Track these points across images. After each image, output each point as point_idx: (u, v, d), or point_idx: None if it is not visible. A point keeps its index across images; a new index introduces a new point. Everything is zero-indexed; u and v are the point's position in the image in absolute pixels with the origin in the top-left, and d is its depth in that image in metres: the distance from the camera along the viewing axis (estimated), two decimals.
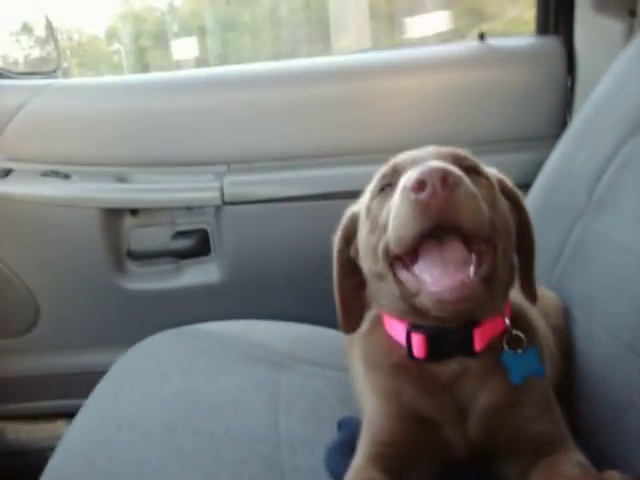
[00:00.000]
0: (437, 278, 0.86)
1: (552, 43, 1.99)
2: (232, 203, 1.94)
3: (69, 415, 1.45)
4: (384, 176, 0.99)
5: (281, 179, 1.97)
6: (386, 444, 1.01)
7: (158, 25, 3.23)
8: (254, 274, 1.98)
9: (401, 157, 1.00)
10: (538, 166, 1.74)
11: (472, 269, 0.86)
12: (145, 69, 3.30)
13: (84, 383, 1.64)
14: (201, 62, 3.13)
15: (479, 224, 0.86)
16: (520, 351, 1.01)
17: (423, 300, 0.88)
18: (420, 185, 0.82)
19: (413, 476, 1.00)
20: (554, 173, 1.66)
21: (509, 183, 1.07)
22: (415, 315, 0.96)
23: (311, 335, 1.74)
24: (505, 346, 1.01)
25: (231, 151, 2.00)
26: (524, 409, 1.00)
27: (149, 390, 1.44)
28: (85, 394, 1.52)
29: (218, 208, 1.96)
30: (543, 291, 1.42)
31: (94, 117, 2.03)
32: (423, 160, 0.92)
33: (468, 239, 0.88)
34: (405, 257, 0.91)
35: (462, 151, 0.99)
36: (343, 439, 1.18)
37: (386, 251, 0.92)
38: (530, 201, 1.69)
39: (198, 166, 2.00)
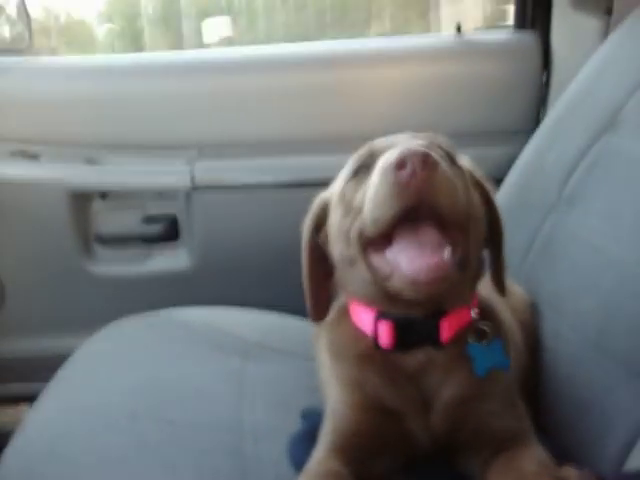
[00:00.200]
0: (412, 259, 0.85)
1: (529, 38, 2.00)
2: (202, 188, 1.92)
3: (32, 399, 1.43)
4: (359, 159, 0.99)
5: (253, 166, 1.95)
6: (349, 434, 1.00)
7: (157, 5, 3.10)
8: (224, 261, 1.96)
9: (378, 141, 0.99)
10: (511, 161, 1.75)
11: (447, 251, 0.86)
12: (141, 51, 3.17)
13: (48, 367, 1.61)
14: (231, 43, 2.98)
15: (456, 208, 0.86)
16: (485, 343, 1.01)
17: (396, 282, 0.88)
18: (400, 164, 0.82)
19: (375, 468, 0.99)
20: (526, 168, 1.66)
21: (479, 175, 1.07)
22: (385, 301, 0.96)
23: (280, 324, 1.73)
24: (470, 337, 1.01)
25: (203, 136, 1.98)
26: (488, 402, 1.01)
27: (112, 377, 1.42)
28: (49, 378, 1.50)
29: (188, 193, 1.93)
30: (511, 286, 1.43)
31: (65, 97, 1.99)
32: (399, 145, 0.92)
33: (442, 224, 0.87)
34: (378, 240, 0.90)
35: (439, 137, 0.99)
36: (306, 429, 1.17)
37: (360, 234, 0.91)
38: (501, 196, 1.70)
39: (169, 150, 1.97)
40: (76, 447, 1.20)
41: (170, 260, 2.00)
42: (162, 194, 1.99)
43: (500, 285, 1.07)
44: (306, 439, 1.11)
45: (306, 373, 1.40)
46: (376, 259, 0.91)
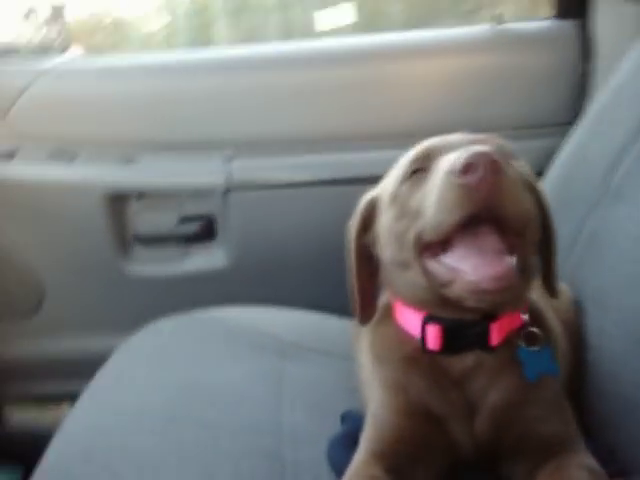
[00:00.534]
0: (476, 267, 0.82)
1: (568, 27, 1.94)
2: (239, 188, 1.90)
3: (73, 399, 1.43)
4: (416, 160, 0.95)
5: (289, 164, 1.93)
6: (391, 440, 0.97)
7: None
8: (261, 260, 1.95)
9: (433, 141, 0.96)
10: (550, 154, 1.70)
11: (511, 259, 0.83)
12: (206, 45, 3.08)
13: (88, 367, 1.62)
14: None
15: (519, 214, 0.83)
16: (536, 348, 0.98)
17: (457, 290, 0.85)
18: (469, 168, 0.79)
19: (417, 475, 0.96)
20: (568, 161, 1.62)
21: (532, 177, 1.03)
22: (437, 306, 0.94)
23: (318, 323, 1.71)
24: (521, 342, 0.98)
25: (239, 134, 1.96)
26: (535, 408, 0.97)
27: (150, 378, 1.42)
28: (88, 378, 1.50)
29: (225, 193, 1.92)
30: None
31: (100, 97, 2.00)
32: (458, 146, 0.89)
33: (502, 230, 0.84)
34: (435, 245, 0.87)
35: (497, 139, 0.96)
36: (346, 432, 1.15)
37: (417, 238, 0.88)
38: None
39: (205, 149, 1.96)
40: (113, 449, 1.19)
41: (207, 260, 1.99)
42: (198, 193, 1.97)
43: (552, 289, 1.04)
44: (346, 443, 1.09)
45: (345, 374, 1.38)
46: (432, 264, 0.88)
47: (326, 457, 1.18)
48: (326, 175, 1.86)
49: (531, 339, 0.99)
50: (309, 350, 1.54)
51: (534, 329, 0.99)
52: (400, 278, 0.98)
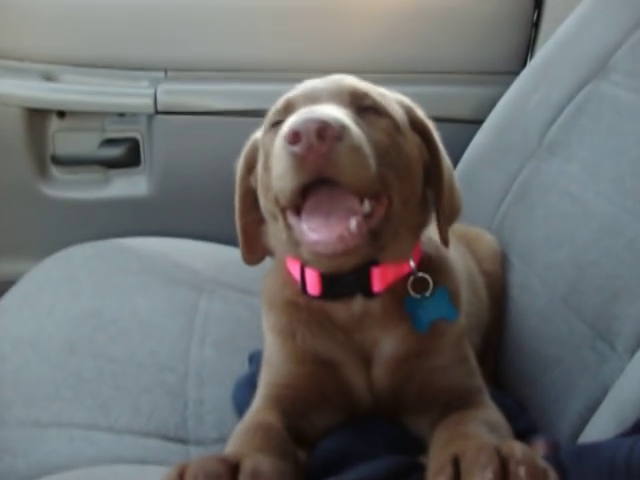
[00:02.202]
0: (315, 229, 0.78)
1: None
2: (165, 112, 1.80)
3: None
4: (276, 112, 0.91)
5: (220, 91, 1.84)
6: (283, 386, 0.95)
7: None
8: (184, 190, 1.86)
9: (296, 91, 0.90)
10: (493, 102, 1.66)
11: (354, 222, 0.78)
12: None
13: None
14: None
15: (362, 181, 0.78)
16: (427, 294, 0.94)
17: (303, 250, 0.82)
18: (295, 137, 0.74)
19: (315, 421, 0.94)
20: (508, 111, 1.58)
21: (419, 113, 0.98)
22: (304, 259, 0.90)
23: (238, 259, 1.65)
24: (410, 289, 0.94)
25: (170, 57, 1.85)
26: (434, 358, 0.95)
27: (55, 306, 1.34)
28: None
29: (150, 116, 1.82)
30: (481, 233, 1.37)
31: (22, 8, 1.85)
32: (317, 98, 0.85)
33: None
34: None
35: (364, 86, 0.90)
36: (252, 373, 1.11)
37: (275, 198, 0.84)
38: (480, 138, 1.63)
39: (133, 70, 1.85)
40: (5, 379, 1.13)
41: (129, 186, 1.88)
42: (123, 116, 1.87)
43: (442, 233, 0.97)
44: (251, 384, 1.05)
45: (261, 313, 1.34)
46: (294, 220, 0.83)
47: (231, 397, 1.15)
48: (258, 105, 1.76)
49: (421, 285, 0.95)
50: (226, 286, 1.49)
51: (423, 275, 0.95)
52: (272, 227, 0.95)
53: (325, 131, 0.73)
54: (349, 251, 0.77)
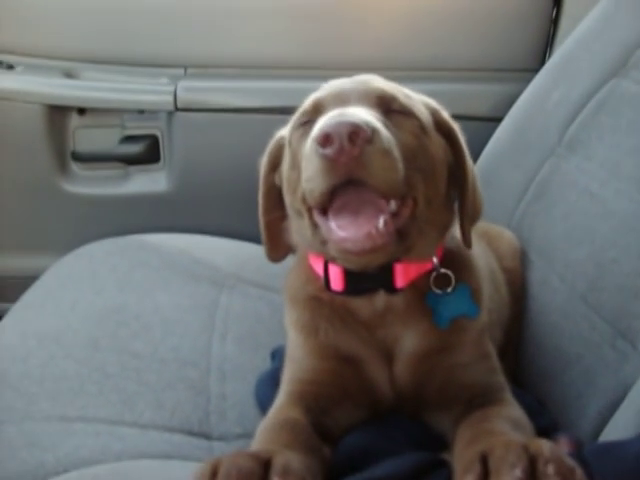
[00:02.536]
0: (344, 227, 0.79)
1: None
2: (185, 109, 1.81)
3: None
4: (304, 112, 0.92)
5: (240, 88, 1.85)
6: (307, 382, 0.96)
7: None
8: (204, 186, 1.88)
9: (324, 92, 0.91)
10: (512, 100, 1.66)
11: (382, 220, 0.79)
12: None
13: (18, 287, 1.56)
14: None
15: (390, 183, 0.79)
16: (449, 290, 0.95)
17: (330, 248, 0.83)
18: (326, 140, 0.75)
19: (339, 417, 0.95)
20: (527, 108, 1.58)
21: (445, 115, 0.98)
22: (329, 257, 0.90)
23: (258, 255, 1.65)
24: (432, 285, 0.95)
25: (190, 54, 1.87)
26: (455, 355, 0.96)
27: (78, 302, 1.36)
28: (18, 299, 1.45)
29: (170, 113, 1.83)
30: (501, 231, 1.37)
31: (44, 6, 1.86)
32: (346, 99, 0.86)
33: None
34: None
35: (392, 88, 0.91)
36: (275, 369, 1.12)
37: (303, 196, 0.85)
38: (499, 136, 1.63)
39: (153, 67, 1.87)
40: (31, 376, 1.15)
41: (149, 182, 1.90)
42: (143, 113, 1.88)
43: (464, 234, 0.98)
44: (274, 379, 1.06)
45: (282, 309, 1.35)
46: (320, 219, 0.84)
47: (253, 393, 1.16)
48: (277, 102, 1.78)
49: (443, 282, 0.96)
50: (247, 282, 1.50)
51: (445, 271, 0.96)
52: (296, 224, 0.96)
53: (357, 134, 0.74)
54: (377, 249, 0.78)
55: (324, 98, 0.89)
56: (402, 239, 0.83)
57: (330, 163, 0.76)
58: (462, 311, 0.95)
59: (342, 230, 0.79)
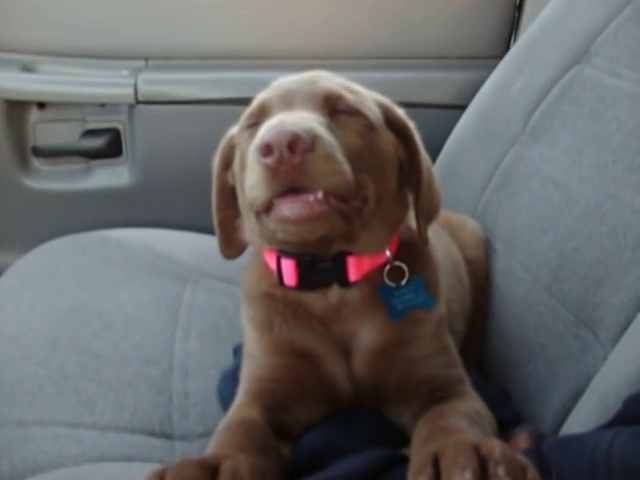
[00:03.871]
0: (287, 202, 0.78)
1: None
2: (146, 102, 1.78)
3: None
4: (250, 115, 0.91)
5: (201, 79, 1.82)
6: (264, 379, 0.95)
7: None
8: (167, 179, 1.85)
9: (271, 93, 0.90)
10: (476, 87, 1.65)
11: (321, 193, 0.78)
12: None
13: None
14: None
15: (338, 187, 0.79)
16: (403, 282, 0.94)
17: (271, 223, 0.82)
18: (267, 149, 0.75)
19: (298, 414, 0.94)
20: (491, 96, 1.57)
21: (398, 112, 0.97)
22: (279, 245, 0.91)
23: None
24: (386, 278, 0.94)
25: (150, 45, 1.83)
26: (413, 348, 0.95)
27: (38, 302, 1.33)
28: None
29: (131, 106, 1.80)
30: (464, 220, 1.37)
31: None
32: (292, 101, 0.86)
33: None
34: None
35: (338, 88, 0.89)
36: (238, 365, 1.10)
37: (250, 202, 0.84)
38: (463, 124, 1.62)
39: (113, 59, 1.83)
40: None
41: (111, 177, 1.87)
42: (104, 106, 1.85)
43: (420, 231, 0.97)
44: (235, 376, 1.05)
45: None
46: (265, 218, 0.83)
47: (216, 390, 1.15)
48: (239, 93, 1.75)
49: (397, 274, 0.95)
50: (211, 276, 1.48)
51: (399, 263, 0.95)
52: (247, 220, 0.95)
53: (296, 143, 0.74)
54: (315, 217, 0.78)
55: (270, 100, 0.88)
56: (345, 221, 0.82)
57: (271, 172, 0.76)
58: (416, 303, 0.95)
59: (284, 203, 0.78)
